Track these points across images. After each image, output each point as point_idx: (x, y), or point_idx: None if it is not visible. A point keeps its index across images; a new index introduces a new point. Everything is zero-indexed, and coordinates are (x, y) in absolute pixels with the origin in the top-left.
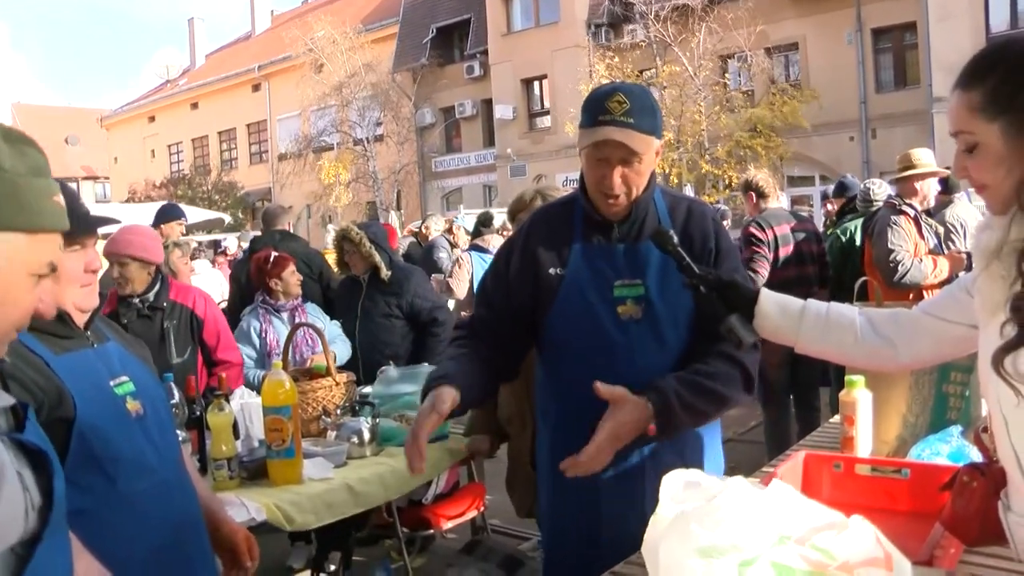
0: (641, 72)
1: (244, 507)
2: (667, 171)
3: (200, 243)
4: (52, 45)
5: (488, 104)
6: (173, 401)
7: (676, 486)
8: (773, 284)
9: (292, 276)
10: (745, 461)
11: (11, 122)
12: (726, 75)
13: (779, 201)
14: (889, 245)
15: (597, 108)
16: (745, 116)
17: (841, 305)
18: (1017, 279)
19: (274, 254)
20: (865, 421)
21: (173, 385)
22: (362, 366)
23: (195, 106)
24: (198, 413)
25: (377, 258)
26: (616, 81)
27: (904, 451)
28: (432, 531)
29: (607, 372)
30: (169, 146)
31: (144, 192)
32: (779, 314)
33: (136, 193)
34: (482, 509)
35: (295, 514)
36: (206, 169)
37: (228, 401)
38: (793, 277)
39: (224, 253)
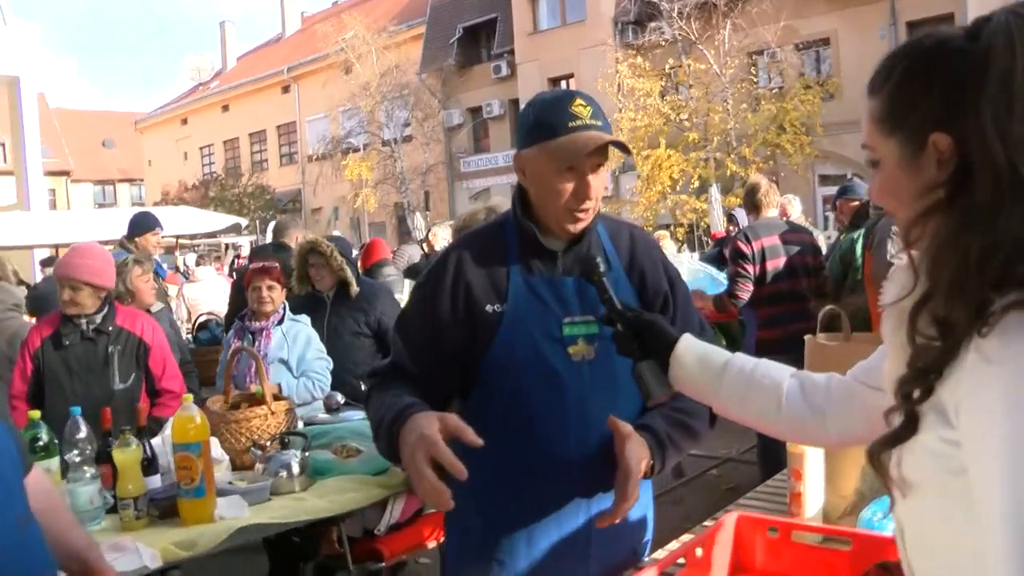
0: (665, 70)
1: (138, 553)
2: (692, 171)
3: (208, 247)
4: (99, 49)
5: (515, 104)
6: (80, 436)
7: None
8: (763, 298)
9: (253, 292)
10: (745, 482)
11: (52, 127)
12: (752, 72)
13: (777, 208)
14: (889, 257)
15: (562, 115)
16: (768, 114)
17: (771, 364)
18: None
19: (254, 265)
20: (815, 475)
21: (80, 419)
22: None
23: (226, 108)
24: (112, 447)
25: (348, 273)
26: (566, 89)
27: (863, 506)
28: (382, 564)
29: (554, 420)
30: (201, 148)
31: (176, 194)
32: (697, 367)
33: (168, 195)
34: (443, 539)
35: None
36: (238, 171)
37: (140, 436)
38: (785, 291)
39: (238, 257)
